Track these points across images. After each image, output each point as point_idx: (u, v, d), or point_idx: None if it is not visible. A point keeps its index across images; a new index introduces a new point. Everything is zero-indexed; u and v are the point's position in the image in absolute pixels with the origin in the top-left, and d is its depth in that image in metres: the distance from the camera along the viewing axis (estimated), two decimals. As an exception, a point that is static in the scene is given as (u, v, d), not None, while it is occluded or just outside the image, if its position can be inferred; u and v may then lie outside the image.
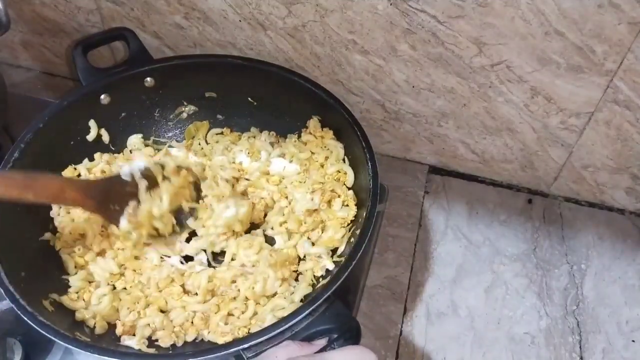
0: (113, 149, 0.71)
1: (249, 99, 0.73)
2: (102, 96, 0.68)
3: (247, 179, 0.68)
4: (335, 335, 0.49)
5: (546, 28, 0.60)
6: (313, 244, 0.64)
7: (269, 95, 0.72)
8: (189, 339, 0.57)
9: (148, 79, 0.70)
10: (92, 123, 0.69)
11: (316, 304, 0.49)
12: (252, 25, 0.72)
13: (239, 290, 0.59)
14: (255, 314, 0.58)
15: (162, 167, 0.62)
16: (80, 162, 0.68)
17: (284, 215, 0.65)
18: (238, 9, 0.70)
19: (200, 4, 0.71)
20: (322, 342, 0.49)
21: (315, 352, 0.48)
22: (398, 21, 0.64)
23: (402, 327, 0.65)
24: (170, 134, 0.75)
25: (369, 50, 0.69)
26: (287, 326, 0.49)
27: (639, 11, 0.56)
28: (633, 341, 0.65)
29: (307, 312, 0.49)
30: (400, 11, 0.63)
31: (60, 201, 0.59)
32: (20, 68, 0.91)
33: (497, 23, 0.61)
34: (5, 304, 0.60)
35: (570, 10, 0.58)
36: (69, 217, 0.63)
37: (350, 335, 0.49)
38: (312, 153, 0.68)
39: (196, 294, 0.60)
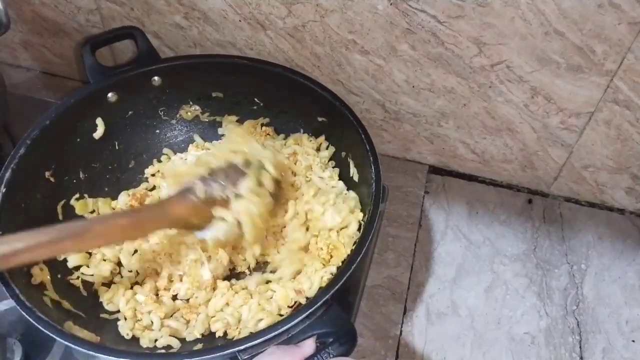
0: (118, 147, 0.71)
1: (255, 99, 0.73)
2: (110, 94, 0.68)
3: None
4: (331, 339, 0.48)
5: (546, 28, 0.60)
6: None
7: (275, 96, 0.72)
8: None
9: (155, 78, 0.70)
10: (99, 121, 0.69)
11: (314, 307, 0.49)
12: (252, 25, 0.72)
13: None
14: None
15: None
16: (83, 160, 0.68)
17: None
18: (238, 9, 0.70)
19: (200, 4, 0.71)
20: (309, 342, 0.48)
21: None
22: (398, 21, 0.64)
23: (402, 327, 0.65)
24: (175, 132, 0.75)
25: (369, 50, 0.69)
26: (283, 329, 0.48)
27: (639, 11, 0.56)
28: (633, 341, 0.65)
29: (304, 315, 0.49)
30: (400, 11, 0.63)
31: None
32: (20, 68, 0.91)
33: (497, 23, 0.61)
34: (6, 303, 0.60)
35: (570, 10, 0.58)
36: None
37: (346, 340, 0.48)
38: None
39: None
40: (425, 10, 0.62)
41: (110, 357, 0.48)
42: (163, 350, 0.56)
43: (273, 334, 0.48)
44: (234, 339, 0.50)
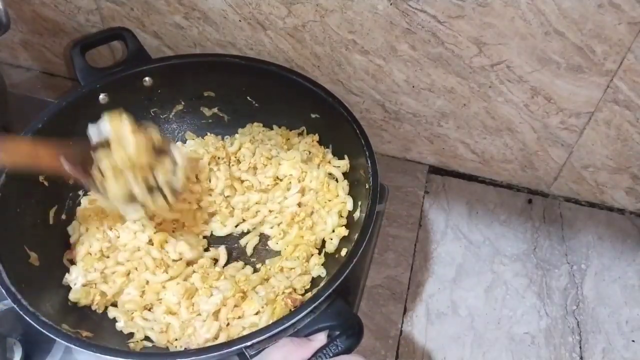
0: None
1: (248, 98, 0.73)
2: (101, 96, 0.68)
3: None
4: (338, 332, 0.49)
5: (546, 28, 0.60)
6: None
7: (268, 95, 0.72)
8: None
9: (146, 78, 0.70)
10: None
11: (318, 302, 0.49)
12: (252, 25, 0.72)
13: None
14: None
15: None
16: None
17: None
18: (238, 9, 0.70)
19: (200, 4, 0.71)
20: (320, 336, 0.49)
21: (310, 358, 0.48)
22: (398, 21, 0.64)
23: (402, 327, 0.65)
24: (168, 132, 0.75)
25: (369, 50, 0.69)
26: (289, 324, 0.49)
27: (639, 11, 0.56)
28: (633, 341, 0.65)
29: (309, 309, 0.49)
30: (400, 11, 0.63)
31: (34, 163, 0.56)
32: (20, 68, 0.91)
33: (497, 23, 0.61)
34: (5, 303, 0.60)
35: (570, 10, 0.58)
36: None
37: (353, 332, 0.49)
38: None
39: None
40: (425, 10, 0.62)
41: (116, 358, 0.48)
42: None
43: (279, 329, 0.49)
44: (240, 336, 0.50)
